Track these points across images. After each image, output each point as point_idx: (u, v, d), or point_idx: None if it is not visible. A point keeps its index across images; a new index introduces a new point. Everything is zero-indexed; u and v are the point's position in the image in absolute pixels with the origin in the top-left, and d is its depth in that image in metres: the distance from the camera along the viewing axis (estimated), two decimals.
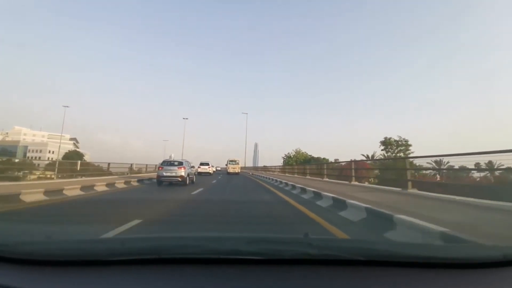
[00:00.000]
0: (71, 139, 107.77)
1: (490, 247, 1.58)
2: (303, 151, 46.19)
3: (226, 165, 37.24)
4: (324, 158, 38.35)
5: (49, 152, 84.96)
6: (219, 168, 49.13)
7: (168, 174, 12.95)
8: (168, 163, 13.66)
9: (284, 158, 46.91)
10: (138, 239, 1.52)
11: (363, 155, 32.39)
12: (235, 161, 35.42)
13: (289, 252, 1.11)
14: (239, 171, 35.24)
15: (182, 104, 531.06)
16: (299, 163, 38.87)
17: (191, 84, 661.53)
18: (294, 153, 46.33)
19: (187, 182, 13.43)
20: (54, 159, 40.43)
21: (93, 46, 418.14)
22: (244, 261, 1.07)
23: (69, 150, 51.91)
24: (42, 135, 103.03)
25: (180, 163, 13.58)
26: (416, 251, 1.24)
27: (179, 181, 12.95)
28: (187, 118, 49.33)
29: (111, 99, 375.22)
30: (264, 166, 41.97)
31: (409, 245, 1.87)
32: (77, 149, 62.93)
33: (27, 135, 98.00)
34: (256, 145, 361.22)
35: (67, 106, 47.80)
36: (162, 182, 13.03)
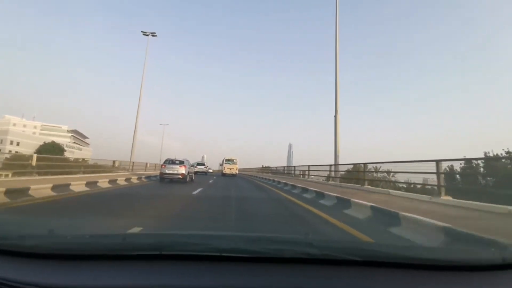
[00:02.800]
0: (69, 130, 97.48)
1: (489, 250, 1.56)
2: None
3: (221, 165, 33.42)
4: None
5: (11, 143, 66.11)
6: (210, 170, 40.76)
7: (170, 171, 13.81)
8: (171, 161, 14.41)
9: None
10: (140, 235, 1.57)
11: None
12: (232, 160, 31.71)
13: (289, 251, 1.12)
14: (237, 172, 31.71)
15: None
16: None
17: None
18: None
19: (187, 180, 14.27)
20: (18, 152, 32.27)
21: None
22: (244, 259, 1.07)
23: (44, 142, 42.52)
24: (34, 125, 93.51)
25: (181, 162, 14.36)
26: (415, 253, 1.22)
27: (180, 178, 13.79)
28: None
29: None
30: (362, 165, 11.00)
31: (408, 247, 1.92)
32: (63, 144, 53.21)
33: (16, 125, 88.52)
34: (290, 146, 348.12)
35: None
36: (164, 179, 13.99)
